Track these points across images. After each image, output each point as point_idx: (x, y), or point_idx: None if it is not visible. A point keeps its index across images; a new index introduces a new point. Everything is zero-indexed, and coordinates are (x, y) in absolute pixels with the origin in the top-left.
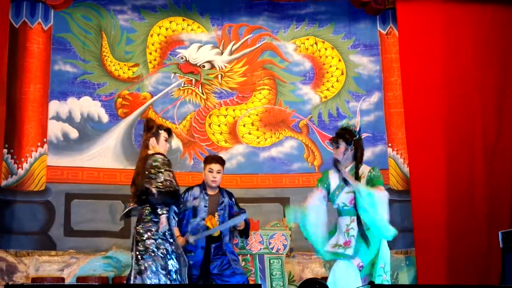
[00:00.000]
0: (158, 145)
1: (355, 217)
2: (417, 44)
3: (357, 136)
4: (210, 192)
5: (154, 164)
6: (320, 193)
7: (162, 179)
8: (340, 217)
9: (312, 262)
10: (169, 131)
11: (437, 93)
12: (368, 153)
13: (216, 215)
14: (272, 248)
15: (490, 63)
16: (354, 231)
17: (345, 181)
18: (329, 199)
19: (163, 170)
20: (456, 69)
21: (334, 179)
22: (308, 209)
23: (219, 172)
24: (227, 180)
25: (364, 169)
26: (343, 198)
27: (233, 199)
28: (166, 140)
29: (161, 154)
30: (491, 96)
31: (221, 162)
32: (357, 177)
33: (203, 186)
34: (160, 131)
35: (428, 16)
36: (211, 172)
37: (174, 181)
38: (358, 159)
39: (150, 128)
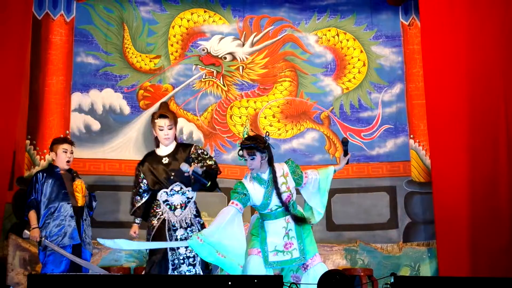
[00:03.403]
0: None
1: (288, 217)
2: (440, 35)
3: (266, 141)
4: (62, 171)
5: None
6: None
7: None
8: (269, 221)
9: (333, 253)
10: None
11: (459, 84)
12: (390, 145)
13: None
14: None
15: None
16: (293, 232)
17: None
18: (257, 208)
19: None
20: (480, 61)
21: (255, 189)
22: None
23: (72, 152)
24: None
25: (280, 167)
26: (276, 201)
27: None
28: None
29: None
30: None
31: (71, 142)
32: (276, 179)
33: (51, 167)
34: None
35: (451, 7)
36: (65, 152)
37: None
38: (271, 162)
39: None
